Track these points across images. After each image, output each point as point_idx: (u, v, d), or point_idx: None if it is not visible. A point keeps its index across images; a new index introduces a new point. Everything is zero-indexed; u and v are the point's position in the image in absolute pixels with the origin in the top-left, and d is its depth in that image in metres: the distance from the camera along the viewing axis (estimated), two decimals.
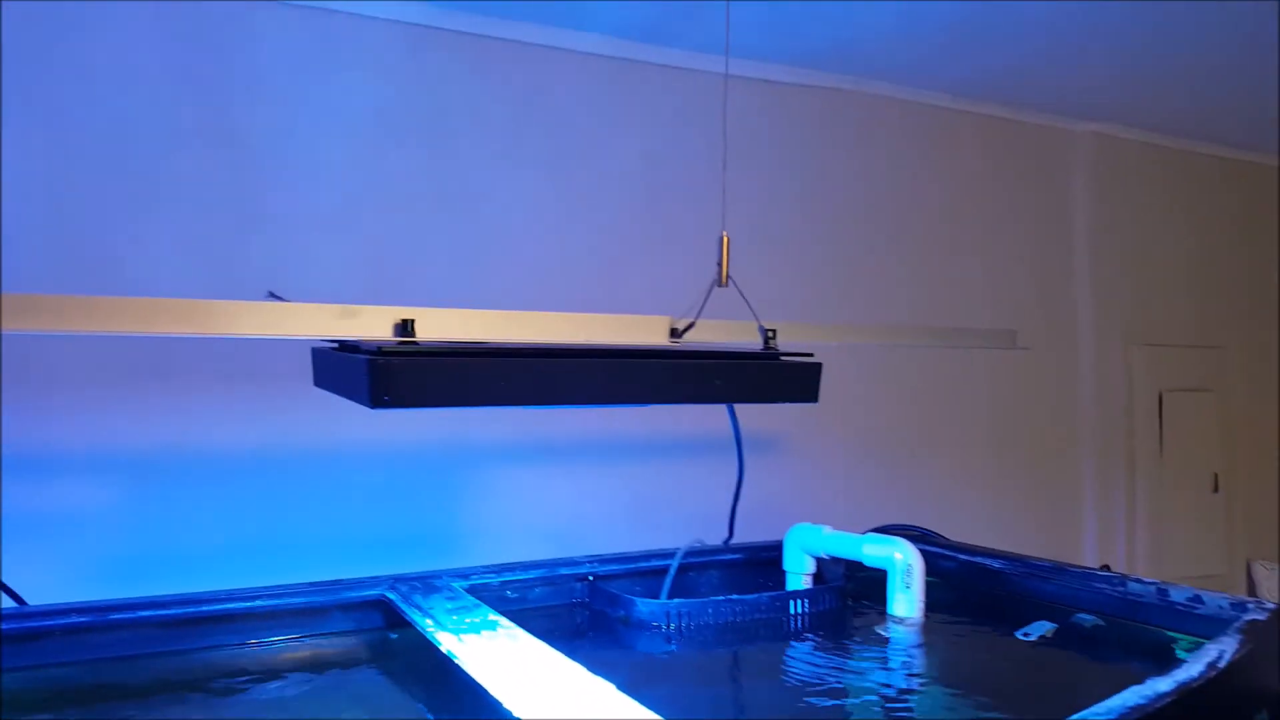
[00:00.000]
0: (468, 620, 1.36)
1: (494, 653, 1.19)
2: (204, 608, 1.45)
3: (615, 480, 2.44)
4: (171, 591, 1.44)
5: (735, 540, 1.94)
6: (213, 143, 2.00)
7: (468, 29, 2.20)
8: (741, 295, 1.27)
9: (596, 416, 2.39)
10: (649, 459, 2.49)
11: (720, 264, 1.29)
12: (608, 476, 2.44)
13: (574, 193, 2.38)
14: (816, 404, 1.23)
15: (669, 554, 1.80)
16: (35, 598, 1.42)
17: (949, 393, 2.98)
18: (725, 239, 1.31)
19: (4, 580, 1.41)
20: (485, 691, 1.04)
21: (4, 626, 1.33)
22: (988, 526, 2.77)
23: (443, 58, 2.20)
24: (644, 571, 1.79)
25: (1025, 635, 1.58)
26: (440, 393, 1.00)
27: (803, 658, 1.58)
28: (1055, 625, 1.60)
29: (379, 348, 0.99)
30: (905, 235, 2.91)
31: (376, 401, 0.98)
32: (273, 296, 1.04)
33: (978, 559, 1.82)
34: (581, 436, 2.41)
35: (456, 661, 1.15)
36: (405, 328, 1.02)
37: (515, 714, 0.95)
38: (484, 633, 1.29)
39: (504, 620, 1.35)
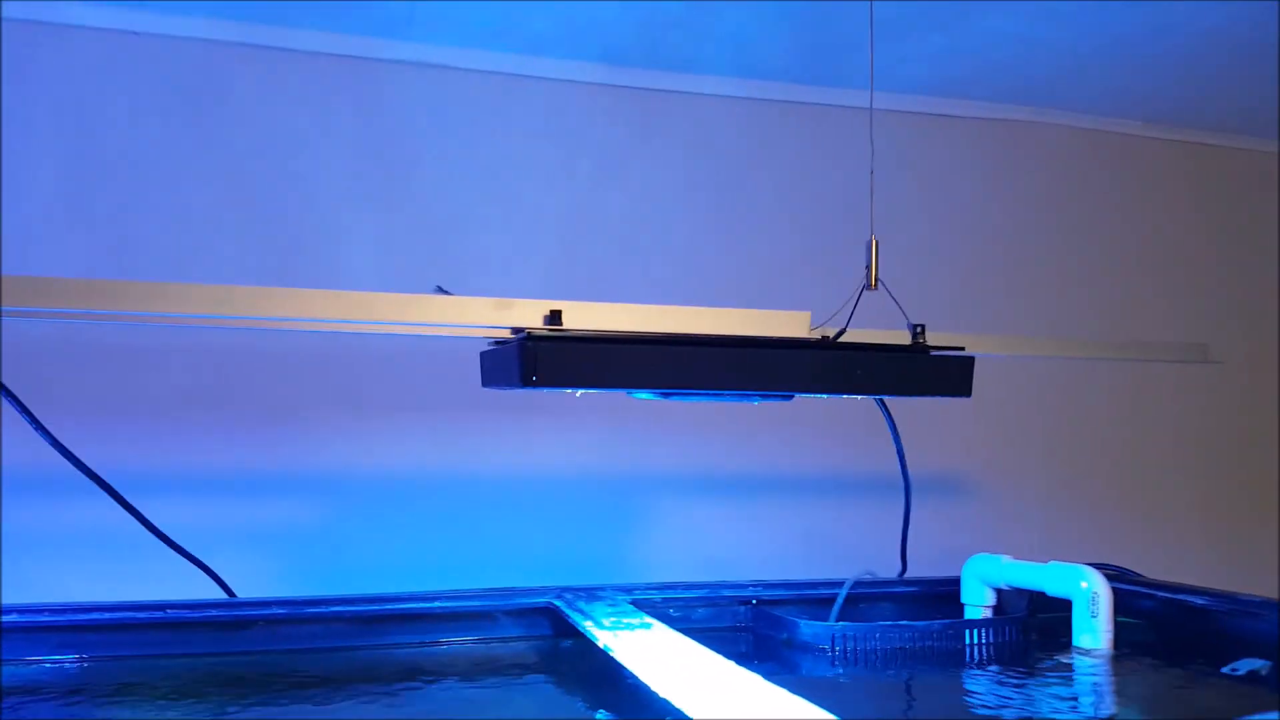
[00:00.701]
0: (625, 621, 1.39)
1: (653, 649, 1.21)
2: (388, 606, 1.55)
3: (784, 516, 2.43)
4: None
5: (912, 575, 1.89)
6: (386, 205, 2.19)
7: (635, 84, 2.34)
8: (891, 297, 1.27)
9: (764, 450, 2.40)
10: (820, 495, 2.46)
11: (870, 267, 1.30)
12: (776, 511, 2.43)
13: (737, 228, 2.44)
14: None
15: (837, 583, 1.77)
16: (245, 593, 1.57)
17: (1134, 415, 2.78)
18: (874, 241, 1.31)
19: (221, 576, 1.56)
20: (647, 688, 1.06)
21: (216, 614, 1.47)
22: (1178, 559, 2.53)
23: (614, 112, 2.33)
24: (810, 599, 1.77)
25: (1233, 670, 1.44)
26: (583, 374, 1.06)
27: (981, 686, 1.51)
28: (1269, 663, 1.46)
29: (528, 333, 1.06)
30: (1080, 255, 2.77)
31: (525, 380, 1.05)
32: (440, 290, 1.14)
33: (1179, 596, 1.68)
34: (749, 470, 2.42)
35: (617, 658, 1.18)
36: (554, 317, 1.09)
37: (687, 713, 0.96)
38: (641, 632, 1.32)
39: (662, 625, 1.37)
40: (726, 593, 1.74)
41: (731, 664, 1.14)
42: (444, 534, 2.19)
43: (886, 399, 1.52)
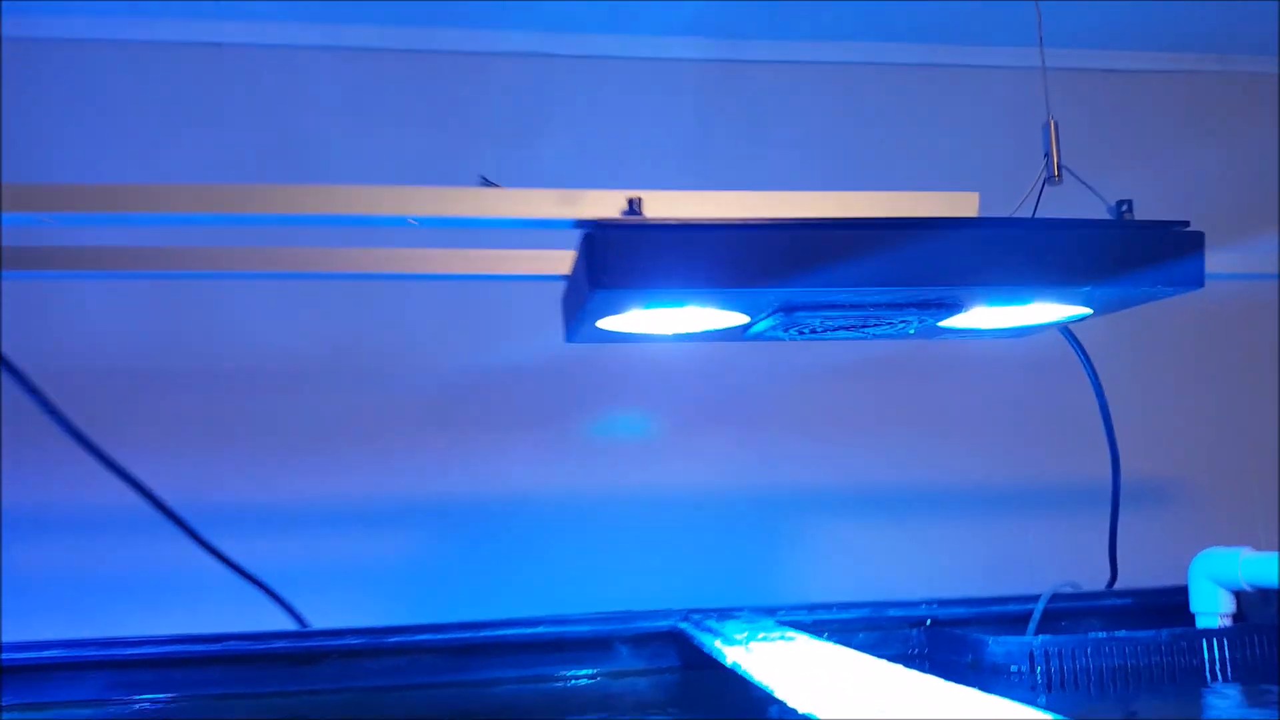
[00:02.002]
0: (762, 634, 1.11)
1: (806, 666, 0.92)
2: (483, 634, 1.30)
3: (952, 533, 2.07)
4: None
5: (1123, 585, 1.53)
6: None
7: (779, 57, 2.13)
8: (1083, 183, 0.98)
9: (920, 459, 2.07)
10: (994, 508, 2.10)
11: (1050, 154, 1.01)
12: (942, 528, 2.08)
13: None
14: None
15: (1030, 599, 1.44)
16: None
17: None
18: (1053, 124, 1.03)
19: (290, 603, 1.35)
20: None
21: (283, 646, 1.26)
22: None
23: (752, 87, 2.12)
24: (997, 617, 1.44)
25: None
26: (669, 272, 0.81)
27: (1229, 713, 1.15)
28: None
29: (598, 223, 0.82)
30: None
31: (595, 284, 0.81)
32: (485, 182, 0.92)
33: None
34: (904, 482, 2.08)
35: (759, 679, 0.89)
36: (634, 207, 0.85)
37: None
38: (786, 645, 1.03)
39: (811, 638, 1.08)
40: (893, 613, 1.42)
41: (921, 674, 0.83)
42: (549, 564, 1.94)
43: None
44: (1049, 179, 1.03)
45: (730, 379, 2.01)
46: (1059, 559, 1.85)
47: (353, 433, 1.90)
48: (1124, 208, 0.91)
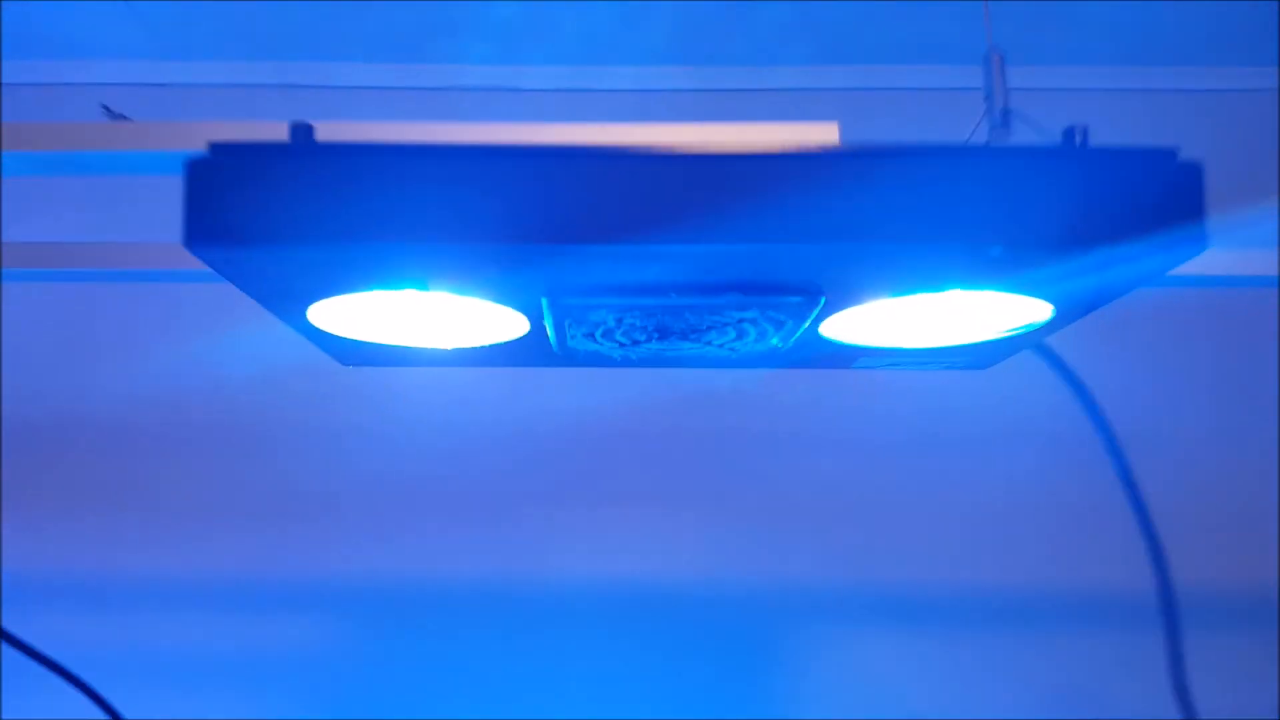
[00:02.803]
0: None
1: None
2: None
3: (1002, 652, 1.67)
4: None
5: None
6: None
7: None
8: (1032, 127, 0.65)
9: (958, 548, 1.68)
10: (1049, 615, 1.68)
11: (993, 93, 0.69)
12: (989, 646, 1.67)
13: None
14: None
15: None
16: None
17: None
18: (996, 57, 0.71)
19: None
20: None
21: None
22: None
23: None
24: None
25: None
26: (315, 219, 0.50)
27: None
28: None
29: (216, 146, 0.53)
30: None
31: (190, 241, 0.51)
32: (110, 113, 0.64)
33: None
34: (935, 584, 1.69)
35: None
36: (300, 132, 0.55)
37: None
38: None
39: None
40: None
41: None
42: (492, 662, 1.60)
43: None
44: (994, 126, 0.70)
45: (706, 444, 1.68)
46: (1120, 678, 1.46)
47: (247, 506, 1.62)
48: (1077, 135, 0.57)
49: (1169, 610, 1.11)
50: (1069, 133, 0.58)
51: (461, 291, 0.62)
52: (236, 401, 1.65)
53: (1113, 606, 1.64)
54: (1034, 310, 0.69)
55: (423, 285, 0.61)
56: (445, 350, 0.76)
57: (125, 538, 1.62)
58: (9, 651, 1.49)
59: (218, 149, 0.53)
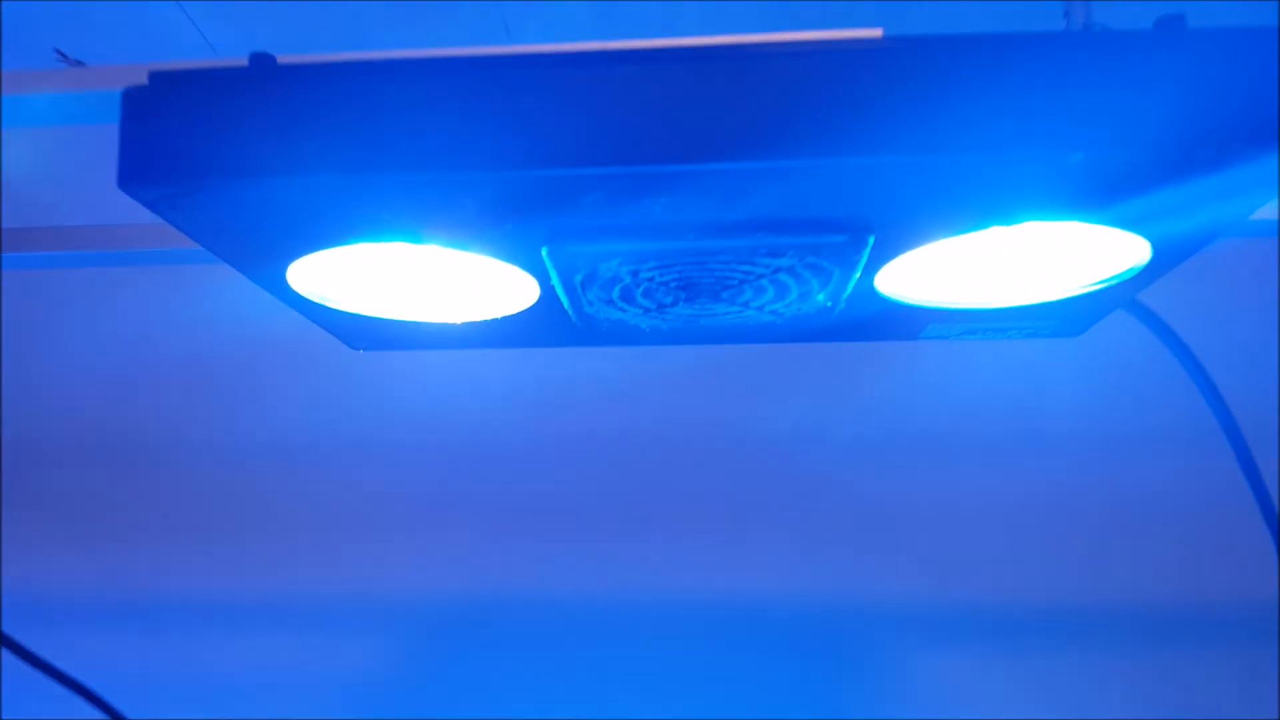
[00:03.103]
0: None
1: None
2: None
3: (1099, 666, 1.52)
4: None
5: None
6: None
7: None
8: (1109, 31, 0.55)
9: (1059, 560, 1.54)
10: (1166, 630, 1.53)
11: None
12: (1089, 659, 1.53)
13: None
14: None
15: None
16: None
17: None
18: None
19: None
20: None
21: None
22: None
23: None
24: None
25: None
26: (272, 150, 0.43)
27: None
28: None
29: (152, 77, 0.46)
30: None
31: (124, 179, 0.44)
32: (63, 58, 0.58)
33: None
34: (1035, 596, 1.55)
35: None
36: (259, 60, 0.48)
37: None
38: None
39: None
40: None
41: None
42: (541, 684, 1.52)
43: None
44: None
45: (776, 453, 1.58)
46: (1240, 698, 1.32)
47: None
48: (1171, 23, 0.48)
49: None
50: (1164, 20, 0.48)
51: (457, 244, 0.54)
52: (240, 412, 1.61)
53: (1236, 618, 1.49)
54: (1126, 252, 0.59)
55: (414, 236, 0.53)
56: (455, 325, 0.69)
57: (130, 552, 1.59)
58: (9, 653, 1.46)
59: (158, 77, 0.46)
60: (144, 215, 0.59)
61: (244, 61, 0.49)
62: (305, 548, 1.56)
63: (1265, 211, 0.77)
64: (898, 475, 1.55)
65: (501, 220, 0.50)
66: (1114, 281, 0.62)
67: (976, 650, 1.56)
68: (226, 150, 0.45)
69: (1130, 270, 0.60)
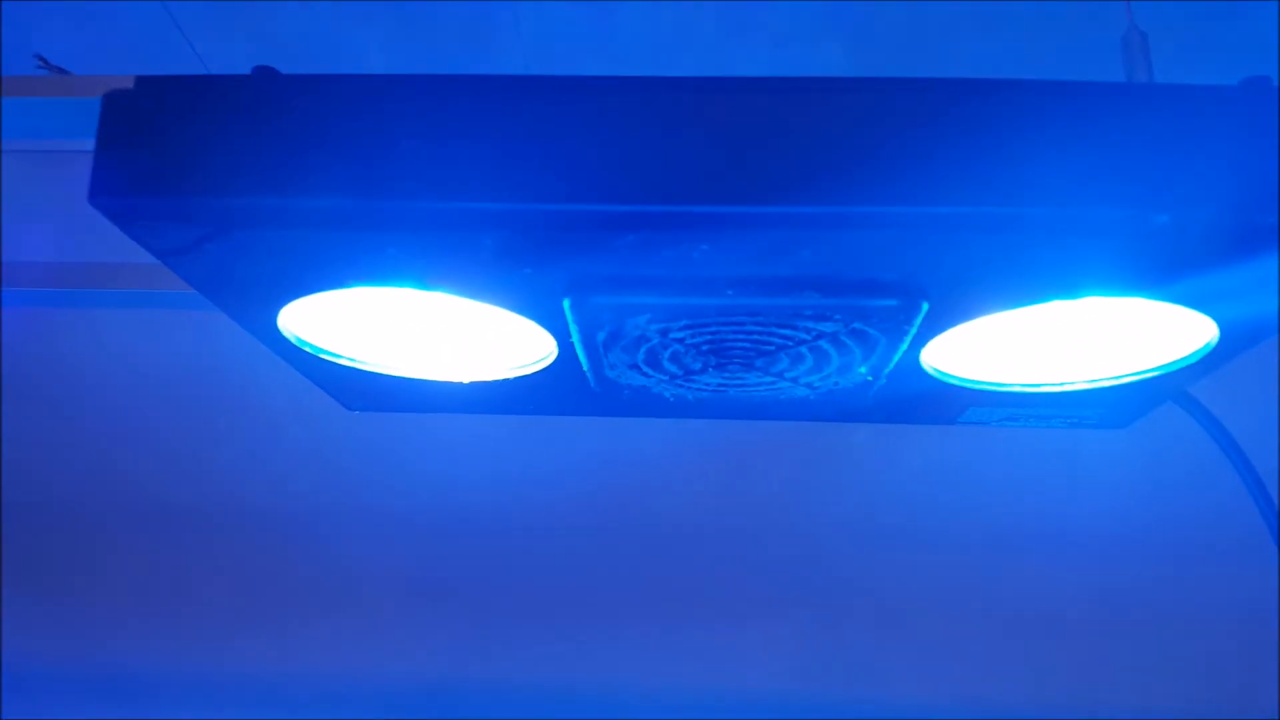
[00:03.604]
0: None
1: None
2: None
3: None
4: None
5: None
6: None
7: None
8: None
9: (1102, 671, 1.46)
10: None
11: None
12: None
13: None
14: None
15: None
16: None
17: None
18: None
19: None
20: None
21: None
22: None
23: None
24: None
25: None
26: (262, 167, 0.39)
27: None
28: None
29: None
30: None
31: (95, 192, 0.40)
32: (44, 65, 0.54)
33: None
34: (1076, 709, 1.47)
35: None
36: (261, 72, 0.44)
37: None
38: None
39: None
40: None
41: None
42: None
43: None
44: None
45: (795, 541, 1.50)
46: None
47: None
48: (1259, 84, 0.44)
49: None
50: (1251, 81, 0.45)
51: (468, 292, 0.50)
52: (246, 486, 1.54)
53: None
54: (1189, 335, 0.54)
55: (420, 282, 0.49)
56: (462, 384, 0.64)
57: (131, 630, 1.51)
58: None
59: (144, 81, 0.42)
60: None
61: (236, 74, 0.45)
62: (281, 623, 1.49)
63: None
64: (916, 569, 1.47)
65: (521, 263, 0.46)
66: (1174, 367, 0.58)
67: None
68: (215, 166, 0.41)
69: (1194, 354, 0.56)
